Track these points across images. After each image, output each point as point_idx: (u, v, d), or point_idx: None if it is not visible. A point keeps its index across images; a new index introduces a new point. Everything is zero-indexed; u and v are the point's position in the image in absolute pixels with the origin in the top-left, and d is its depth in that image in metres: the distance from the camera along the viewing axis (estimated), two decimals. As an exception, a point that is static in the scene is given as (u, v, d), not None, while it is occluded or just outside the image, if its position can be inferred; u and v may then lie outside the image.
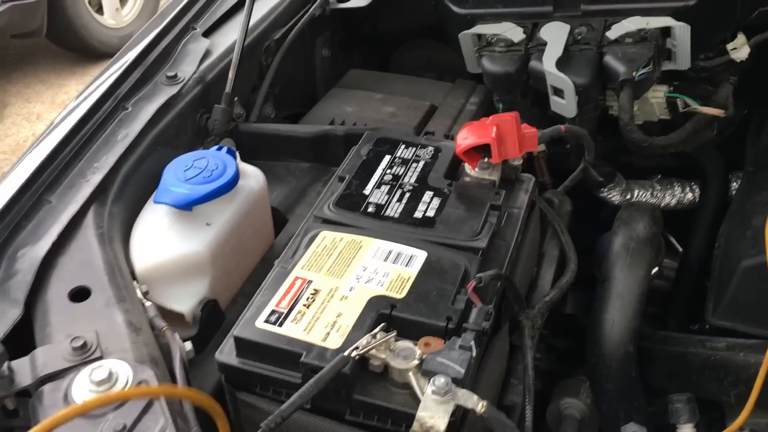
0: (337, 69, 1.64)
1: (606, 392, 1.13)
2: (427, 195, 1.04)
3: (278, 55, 1.39)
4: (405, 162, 1.10)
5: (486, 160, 1.07)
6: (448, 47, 1.52)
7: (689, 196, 1.56)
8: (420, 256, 0.94)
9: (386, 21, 1.67)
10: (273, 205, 1.21)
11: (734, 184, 1.53)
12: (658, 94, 1.37)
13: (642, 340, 1.15)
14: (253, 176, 1.13)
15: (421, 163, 1.10)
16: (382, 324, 0.83)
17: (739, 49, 1.35)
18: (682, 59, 1.30)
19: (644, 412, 1.12)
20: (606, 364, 1.11)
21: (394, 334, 0.82)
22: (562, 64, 1.27)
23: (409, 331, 0.85)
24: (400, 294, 0.89)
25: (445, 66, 1.71)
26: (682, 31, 1.27)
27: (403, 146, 1.13)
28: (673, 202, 1.56)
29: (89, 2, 3.83)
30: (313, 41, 1.55)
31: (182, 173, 1.04)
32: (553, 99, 1.30)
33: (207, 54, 1.28)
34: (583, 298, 1.33)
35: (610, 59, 1.26)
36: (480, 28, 1.39)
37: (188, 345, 0.93)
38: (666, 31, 1.30)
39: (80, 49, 3.91)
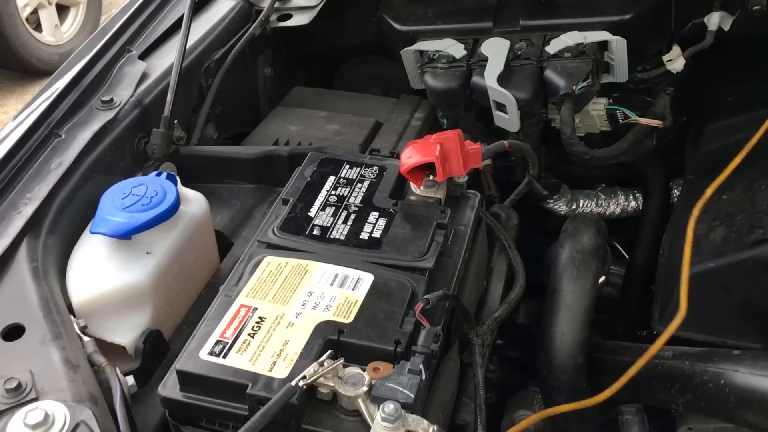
0: (280, 87, 1.63)
1: (557, 404, 1.13)
2: (373, 216, 1.03)
3: (218, 76, 1.36)
4: (350, 182, 1.09)
5: (431, 178, 1.07)
6: (392, 62, 1.52)
7: (633, 204, 1.59)
8: (367, 278, 0.92)
9: (329, 38, 1.66)
10: (217, 229, 1.19)
11: (675, 191, 1.57)
12: (598, 107, 1.39)
13: (592, 351, 1.16)
14: (194, 201, 1.11)
15: (366, 183, 1.09)
16: (330, 351, 0.81)
17: (675, 61, 1.38)
18: (620, 72, 1.33)
19: (595, 423, 1.13)
20: (557, 376, 1.11)
21: (341, 361, 0.80)
22: (503, 79, 1.28)
23: (358, 356, 0.84)
24: (347, 318, 0.87)
25: (390, 81, 1.71)
26: (618, 45, 1.30)
27: (347, 166, 1.12)
28: (618, 210, 1.59)
29: (27, 20, 3.73)
30: (254, 60, 1.54)
31: (120, 201, 1.01)
32: (497, 114, 1.31)
33: (144, 77, 1.25)
34: (536, 307, 1.34)
35: (550, 74, 1.28)
36: (421, 45, 1.39)
37: (130, 379, 0.90)
38: (603, 45, 1.32)
39: (19, 67, 3.79)
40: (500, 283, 1.15)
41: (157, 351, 0.98)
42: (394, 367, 0.82)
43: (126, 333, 0.97)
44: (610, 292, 1.60)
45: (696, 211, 1.19)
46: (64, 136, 1.11)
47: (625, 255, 1.62)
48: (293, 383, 0.76)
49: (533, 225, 1.71)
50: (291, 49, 1.67)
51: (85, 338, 0.90)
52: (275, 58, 1.60)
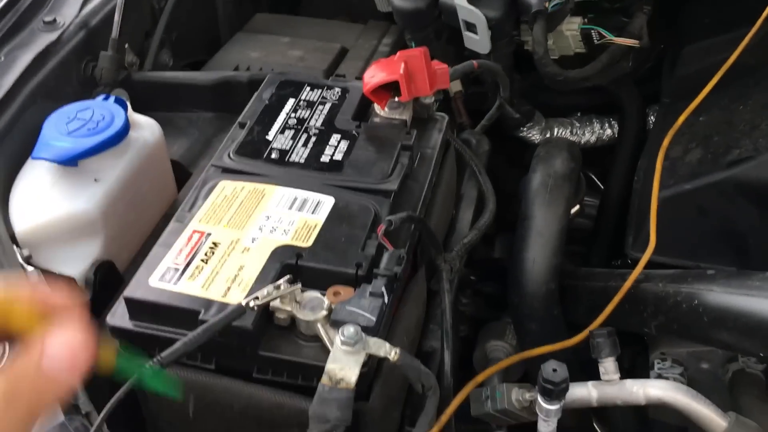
0: (242, 14, 1.55)
1: (529, 332, 1.11)
2: (335, 138, 0.97)
3: (172, -2, 1.28)
4: (310, 105, 1.03)
5: (396, 99, 1.02)
6: (361, -14, 1.45)
7: (608, 132, 1.54)
8: (327, 201, 0.88)
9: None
10: (175, 159, 1.13)
11: (652, 117, 1.52)
12: (572, 27, 1.33)
13: (564, 278, 1.13)
14: (146, 127, 1.04)
15: (328, 105, 1.03)
16: (288, 276, 0.77)
17: (652, -22, 1.32)
18: (596, -11, 1.27)
19: (567, 349, 1.11)
20: (528, 303, 1.08)
21: (298, 285, 0.76)
22: (473, -3, 1.21)
23: (318, 280, 0.80)
24: (306, 243, 0.83)
25: (357, 7, 1.64)
26: (593, -40, 1.23)
27: (308, 88, 1.06)
28: (593, 139, 1.55)
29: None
30: (212, -17, 1.45)
31: (64, 126, 0.94)
32: (466, 35, 1.25)
33: (90, -4, 1.17)
34: (511, 241, 1.30)
35: (522, -10, 1.22)
36: (388, -37, 1.32)
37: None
38: (578, -40, 1.26)
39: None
40: (470, 209, 1.11)
41: (109, 283, 0.93)
42: (355, 291, 0.78)
43: (75, 264, 0.92)
44: (585, 223, 1.56)
45: (667, 138, 1.15)
46: (2, 58, 1.04)
47: (601, 186, 1.58)
48: (243, 303, 0.72)
49: (511, 158, 1.67)
50: (253, -27, 1.58)
51: (29, 268, 0.85)
52: (235, -16, 1.52)
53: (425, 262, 0.97)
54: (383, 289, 0.77)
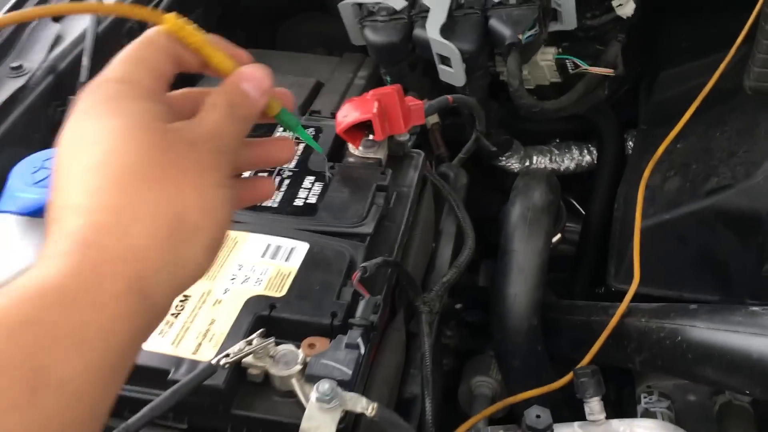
0: (216, 49, 1.53)
1: (513, 369, 1.09)
2: (308, 180, 0.96)
3: (143, 39, 1.26)
4: (284, 146, 1.01)
5: (370, 137, 1.00)
6: (336, 19, 1.44)
7: (587, 158, 1.54)
8: (301, 248, 0.86)
9: (265, -6, 1.57)
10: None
11: (630, 142, 1.52)
12: (547, 57, 1.33)
13: (547, 311, 1.11)
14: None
15: (301, 146, 1.02)
16: (261, 330, 0.75)
17: (625, 5, 1.32)
18: (569, 19, 1.26)
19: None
20: (511, 340, 1.07)
21: (272, 340, 0.74)
22: (446, 30, 1.20)
23: (293, 331, 0.78)
24: (280, 292, 0.81)
25: (335, 40, 1.62)
26: (566, -10, 1.23)
27: (280, 129, 1.05)
28: (572, 165, 1.54)
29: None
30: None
31: (30, 176, 0.92)
32: (441, 68, 1.24)
33: (58, 41, 1.15)
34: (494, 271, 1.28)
35: (495, 23, 1.21)
36: (360, -3, 1.31)
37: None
38: (550, -10, 1.26)
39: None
40: (449, 246, 1.09)
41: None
42: (330, 342, 0.76)
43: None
44: (567, 249, 1.55)
45: (647, 170, 1.14)
46: (-32, 107, 1.02)
47: (582, 211, 1.57)
48: (213, 361, 0.70)
49: (491, 184, 1.66)
50: (227, 7, 1.57)
51: None
52: (208, 17, 1.50)
53: (404, 304, 0.95)
54: (359, 340, 0.75)
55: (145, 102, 0.44)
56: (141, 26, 1.29)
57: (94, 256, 0.39)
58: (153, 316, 0.42)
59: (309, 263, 0.84)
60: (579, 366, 0.93)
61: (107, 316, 0.38)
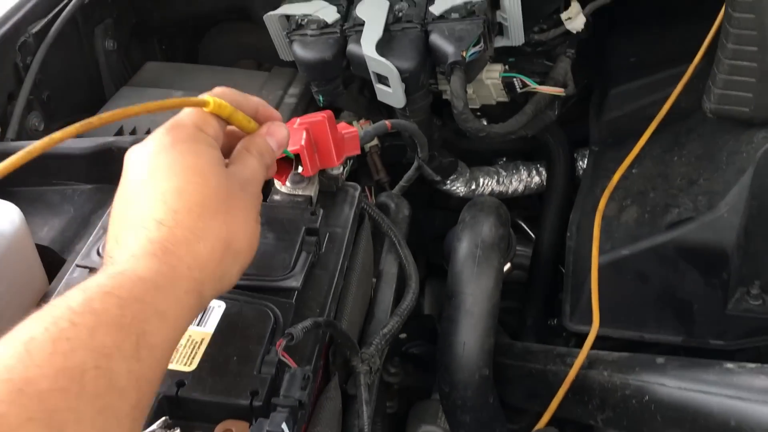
0: (129, 63, 1.39)
1: (463, 424, 0.98)
2: (226, 224, 0.83)
3: (40, 53, 1.11)
4: (199, 182, 0.88)
5: (298, 171, 0.88)
6: (263, 29, 1.31)
7: (536, 179, 1.45)
8: (216, 309, 0.73)
9: (183, 3, 1.43)
10: (43, 244, 0.96)
11: (580, 162, 1.44)
12: (493, 75, 1.23)
13: (499, 356, 1.01)
14: (4, 214, 0.88)
15: (219, 182, 0.89)
16: (163, 419, 0.62)
17: (574, 19, 1.23)
18: (515, 34, 1.17)
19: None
20: (460, 393, 0.96)
21: (177, 430, 0.61)
22: (383, 46, 1.09)
23: (205, 413, 0.65)
24: (189, 365, 0.68)
25: (263, 52, 1.49)
26: (512, 2, 1.13)
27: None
28: (521, 187, 1.45)
29: None
30: (90, 32, 1.28)
31: None
32: (378, 87, 1.13)
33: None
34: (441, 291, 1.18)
35: (436, 38, 1.10)
36: (287, 8, 1.19)
37: None
38: (495, 3, 1.16)
39: None
40: (390, 289, 0.98)
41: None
42: (250, 427, 0.64)
43: None
44: (518, 275, 1.46)
45: (603, 200, 1.06)
46: None
47: (531, 235, 1.48)
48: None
49: (433, 201, 1.55)
50: (140, 18, 1.42)
51: None
52: (119, 29, 1.36)
53: (340, 363, 0.83)
54: (283, 425, 0.63)
55: (213, 149, 0.60)
56: (37, 39, 1.14)
57: (172, 260, 0.53)
58: (198, 312, 0.60)
59: (225, 327, 0.71)
60: (536, 429, 0.83)
61: (181, 305, 0.52)
